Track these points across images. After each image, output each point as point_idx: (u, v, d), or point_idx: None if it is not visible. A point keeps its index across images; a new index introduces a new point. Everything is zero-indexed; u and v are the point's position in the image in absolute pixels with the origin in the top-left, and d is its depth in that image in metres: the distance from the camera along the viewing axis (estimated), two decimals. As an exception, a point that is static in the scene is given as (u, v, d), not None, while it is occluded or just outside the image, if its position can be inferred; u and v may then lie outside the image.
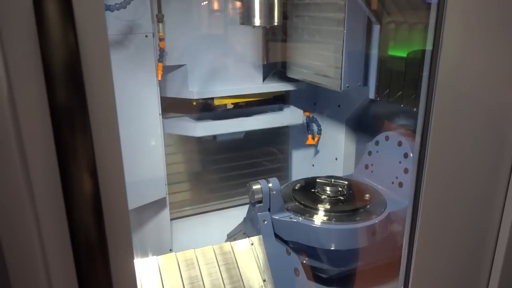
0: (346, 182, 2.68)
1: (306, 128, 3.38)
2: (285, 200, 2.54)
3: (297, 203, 2.56)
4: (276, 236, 2.42)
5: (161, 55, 2.61)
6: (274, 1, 2.58)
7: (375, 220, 2.43)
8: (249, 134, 3.33)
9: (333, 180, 2.67)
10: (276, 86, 3.06)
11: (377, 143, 2.81)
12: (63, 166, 0.87)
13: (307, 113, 3.38)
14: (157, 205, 2.96)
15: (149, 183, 2.80)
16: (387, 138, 2.73)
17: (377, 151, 2.81)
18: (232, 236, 2.74)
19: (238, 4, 2.85)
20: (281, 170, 3.63)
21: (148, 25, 2.51)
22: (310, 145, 3.48)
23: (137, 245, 2.87)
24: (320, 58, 2.73)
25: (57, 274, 0.97)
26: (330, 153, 3.30)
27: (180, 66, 2.78)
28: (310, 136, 3.37)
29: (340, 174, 3.12)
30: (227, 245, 2.38)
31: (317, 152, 3.47)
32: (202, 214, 3.36)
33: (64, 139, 0.85)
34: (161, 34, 2.58)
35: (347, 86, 2.58)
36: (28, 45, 0.83)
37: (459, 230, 1.49)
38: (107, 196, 0.95)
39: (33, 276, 0.96)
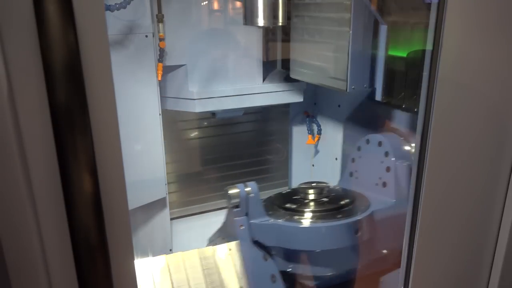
0: (328, 184, 2.69)
1: (306, 128, 3.38)
2: (267, 209, 2.51)
3: (278, 208, 2.55)
4: (256, 241, 2.39)
5: (161, 55, 2.61)
6: (278, 1, 2.56)
7: (358, 217, 2.42)
8: (250, 133, 3.33)
9: (314, 184, 2.67)
10: (276, 87, 3.06)
11: (359, 148, 2.80)
12: (63, 166, 0.87)
13: (306, 113, 3.38)
14: (157, 205, 2.95)
15: (149, 183, 2.80)
16: (367, 142, 2.72)
17: (360, 157, 2.80)
18: (213, 241, 2.70)
19: (238, 4, 2.85)
20: (281, 170, 3.63)
21: (148, 25, 2.51)
22: (310, 145, 3.48)
23: (137, 245, 2.87)
24: (325, 59, 2.70)
25: (57, 274, 0.98)
26: (330, 153, 3.29)
27: (180, 66, 2.78)
28: (310, 136, 3.37)
29: (339, 174, 3.12)
30: (209, 250, 2.35)
31: (317, 152, 3.47)
32: (203, 214, 3.36)
33: (64, 139, 0.85)
34: (161, 34, 2.58)
35: (353, 88, 2.54)
36: (28, 45, 0.83)
37: (459, 229, 1.49)
38: (107, 196, 0.95)
39: (33, 276, 0.96)
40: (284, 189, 2.83)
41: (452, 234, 1.49)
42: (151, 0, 2.51)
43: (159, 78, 2.62)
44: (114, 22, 2.40)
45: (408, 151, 2.56)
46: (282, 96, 3.11)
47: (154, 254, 2.29)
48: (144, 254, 2.42)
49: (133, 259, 1.06)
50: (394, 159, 2.53)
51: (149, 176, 2.78)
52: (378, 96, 2.60)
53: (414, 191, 1.44)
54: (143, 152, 2.70)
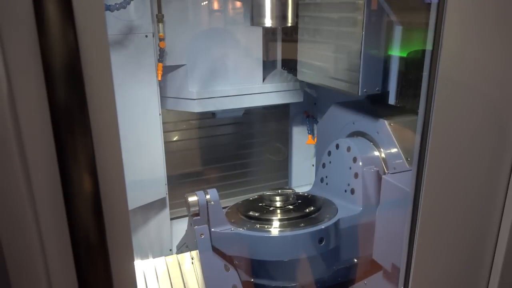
0: (295, 191, 2.65)
1: (306, 128, 3.38)
2: (231, 217, 2.48)
3: (241, 216, 2.50)
4: (217, 250, 2.35)
5: (161, 55, 2.61)
6: (288, 0, 2.55)
7: (322, 225, 2.38)
8: (250, 134, 3.33)
9: (280, 190, 2.61)
10: (276, 87, 3.06)
11: (329, 153, 2.77)
12: (63, 166, 0.87)
13: (306, 113, 3.38)
14: (157, 205, 2.96)
15: (149, 183, 2.80)
16: (337, 146, 2.69)
17: (330, 162, 2.76)
18: (179, 249, 2.69)
19: (238, 3, 2.85)
20: (281, 170, 3.63)
21: (148, 25, 2.52)
22: (310, 145, 3.48)
23: (137, 246, 2.87)
24: (335, 61, 2.64)
25: (57, 274, 0.97)
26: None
27: (180, 66, 2.78)
28: (310, 136, 3.37)
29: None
30: (174, 258, 2.35)
31: (317, 152, 3.47)
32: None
33: (64, 139, 0.85)
34: (161, 34, 2.59)
35: (365, 91, 2.47)
36: (28, 45, 0.83)
37: (459, 229, 1.49)
38: (107, 196, 0.95)
39: (33, 277, 0.96)
40: (252, 196, 2.78)
41: (452, 234, 1.49)
42: (151, 0, 2.51)
43: (159, 78, 2.62)
44: (114, 22, 2.40)
45: (378, 157, 2.51)
46: (282, 96, 3.12)
47: (154, 255, 2.28)
48: (144, 254, 2.42)
49: (133, 259, 1.06)
50: (361, 164, 2.48)
51: (149, 176, 2.78)
52: (392, 100, 2.50)
53: (414, 191, 1.44)
54: (143, 152, 2.70)
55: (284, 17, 2.55)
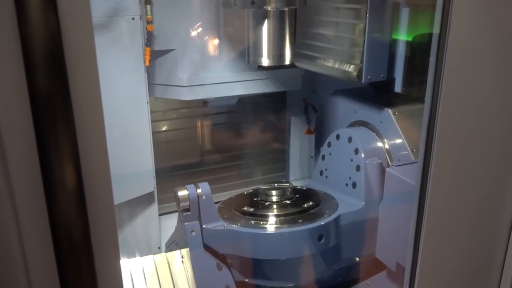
0: (293, 185, 2.64)
1: (305, 117, 3.37)
2: (224, 213, 2.47)
3: (234, 212, 2.50)
4: (209, 248, 2.35)
5: (149, 39, 2.60)
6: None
7: (321, 222, 2.38)
8: (244, 123, 3.33)
9: (276, 184, 2.61)
10: (272, 73, 3.05)
11: (329, 144, 2.76)
12: (44, 158, 0.87)
13: (305, 101, 3.37)
14: (145, 200, 2.95)
15: (136, 176, 2.80)
16: (338, 137, 2.68)
17: (330, 153, 2.76)
18: (169, 246, 2.69)
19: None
20: (278, 162, 3.63)
21: (135, 7, 2.51)
22: (309, 136, 3.47)
23: (123, 243, 2.87)
24: (337, 46, 2.61)
25: (37, 274, 0.98)
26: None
27: (169, 51, 2.78)
28: (308, 126, 3.36)
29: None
30: (163, 257, 2.35)
31: (316, 142, 3.47)
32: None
33: (45, 129, 0.85)
34: (149, 16, 2.57)
35: (369, 78, 2.44)
36: (6, 30, 0.83)
37: (468, 225, 1.49)
38: (91, 190, 0.95)
39: (12, 277, 0.97)
40: (247, 190, 2.76)
41: (460, 231, 1.49)
42: (138, -21, 2.51)
43: (147, 64, 2.61)
44: (99, 4, 2.39)
45: (381, 148, 2.51)
46: (278, 84, 3.11)
47: (142, 253, 2.29)
48: (131, 253, 2.42)
49: (118, 258, 1.07)
50: (364, 156, 2.49)
51: (136, 168, 2.78)
52: (398, 88, 2.47)
53: (420, 185, 1.44)
54: (129, 143, 2.70)
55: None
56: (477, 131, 1.39)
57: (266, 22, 2.55)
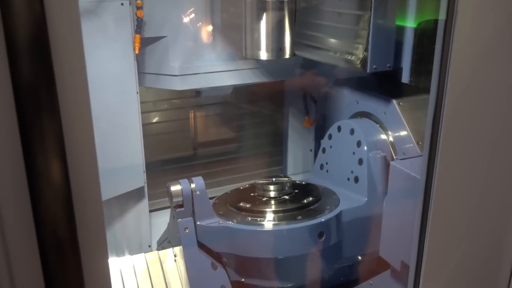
0: (290, 179, 2.63)
1: (304, 108, 3.37)
2: (219, 209, 2.47)
3: (230, 207, 2.49)
4: (203, 247, 2.35)
5: (139, 25, 2.60)
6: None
7: (321, 218, 2.38)
8: (239, 115, 3.33)
9: (274, 179, 2.60)
10: (268, 62, 3.03)
11: (330, 137, 2.76)
12: (28, 151, 0.87)
13: (304, 91, 3.36)
14: (135, 195, 2.95)
15: (125, 170, 2.80)
16: (339, 129, 2.68)
17: (331, 146, 2.76)
18: (161, 245, 2.69)
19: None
20: (275, 155, 3.63)
21: (124, -9, 2.51)
22: (309, 128, 3.47)
23: (112, 241, 2.87)
24: (340, 33, 2.57)
25: (21, 273, 0.98)
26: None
27: (160, 38, 2.77)
28: (308, 118, 3.36)
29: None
30: (155, 255, 2.35)
31: (316, 135, 3.46)
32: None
33: (29, 121, 0.85)
34: (138, 1, 2.57)
35: (374, 68, 2.42)
36: (-12, 14, 0.82)
37: (476, 222, 1.49)
38: (78, 185, 0.95)
39: (-5, 276, 0.97)
40: (243, 185, 2.76)
41: (468, 228, 1.49)
42: (127, -38, 2.50)
43: (137, 52, 2.61)
44: (86, -12, 2.39)
45: (385, 141, 2.51)
46: (275, 73, 3.10)
47: (132, 251, 2.29)
48: (120, 251, 2.42)
49: (107, 256, 1.07)
50: (367, 149, 2.48)
51: (125, 162, 2.78)
52: (405, 78, 2.43)
53: (425, 179, 1.44)
54: (118, 136, 2.70)
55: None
56: (486, 121, 1.39)
57: (265, 13, 2.54)
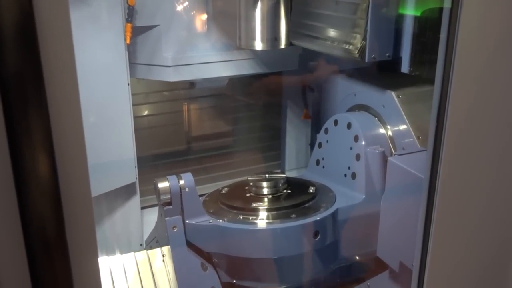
0: (284, 175, 2.62)
1: (302, 100, 3.36)
2: (210, 207, 2.46)
3: (221, 205, 2.49)
4: (193, 246, 2.34)
5: (130, 14, 2.59)
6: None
7: (317, 216, 2.38)
8: (235, 107, 3.33)
9: (267, 175, 2.60)
10: (265, 52, 3.03)
11: (326, 131, 2.75)
12: (14, 145, 0.86)
13: (303, 83, 3.36)
14: (126, 192, 2.95)
15: (116, 166, 2.80)
16: (336, 123, 2.67)
17: (327, 141, 2.75)
18: (149, 244, 2.69)
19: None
20: (272, 149, 3.63)
21: (115, -22, 2.50)
22: (307, 121, 3.47)
23: (102, 240, 2.87)
24: (337, 21, 2.57)
25: (7, 272, 0.98)
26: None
27: (152, 27, 2.77)
28: (306, 110, 3.35)
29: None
30: (144, 254, 2.35)
31: (315, 128, 3.46)
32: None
33: (15, 114, 0.84)
34: (130, -11, 2.57)
35: (373, 57, 2.42)
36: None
37: (483, 221, 1.49)
38: (66, 181, 0.95)
39: (-21, 275, 0.97)
40: (235, 181, 2.75)
41: (474, 227, 1.49)
42: None
43: (128, 41, 2.60)
44: (74, -25, 2.38)
45: (383, 135, 2.51)
46: (273, 64, 3.10)
47: (122, 250, 2.28)
48: (110, 250, 2.42)
49: (96, 255, 1.06)
50: (364, 144, 2.48)
51: (115, 157, 2.77)
52: (405, 68, 2.43)
53: (429, 176, 1.44)
54: (108, 129, 2.69)
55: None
56: (493, 113, 1.38)
57: (259, 1, 2.54)
